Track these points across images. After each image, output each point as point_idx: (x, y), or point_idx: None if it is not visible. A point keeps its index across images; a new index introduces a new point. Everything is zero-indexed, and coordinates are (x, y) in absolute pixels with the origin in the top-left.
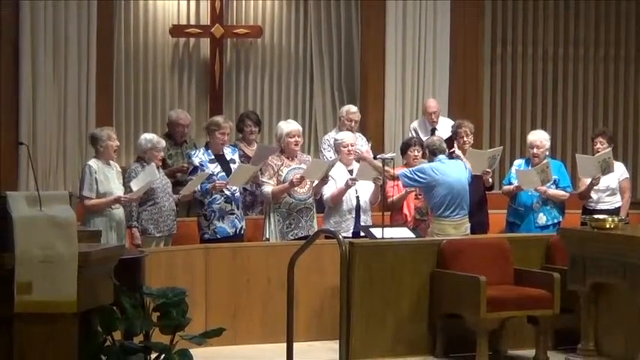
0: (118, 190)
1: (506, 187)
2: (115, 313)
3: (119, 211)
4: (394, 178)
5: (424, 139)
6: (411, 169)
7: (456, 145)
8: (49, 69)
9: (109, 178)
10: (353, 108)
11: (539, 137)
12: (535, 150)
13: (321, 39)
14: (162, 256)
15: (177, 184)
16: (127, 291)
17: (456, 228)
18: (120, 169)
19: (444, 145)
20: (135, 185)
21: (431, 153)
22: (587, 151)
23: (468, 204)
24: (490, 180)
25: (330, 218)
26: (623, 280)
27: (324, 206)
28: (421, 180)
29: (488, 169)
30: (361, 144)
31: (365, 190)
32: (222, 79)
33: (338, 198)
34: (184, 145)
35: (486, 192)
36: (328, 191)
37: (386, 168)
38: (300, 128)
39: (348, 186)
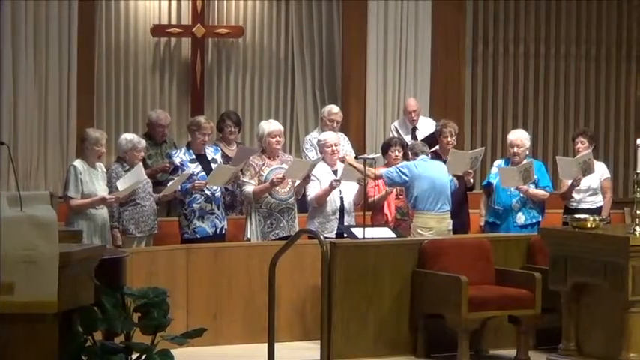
0: (102, 192)
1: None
2: (96, 313)
3: (103, 213)
4: (377, 177)
5: (405, 138)
6: (393, 167)
7: (438, 144)
8: (31, 68)
9: (93, 180)
10: (335, 108)
11: (519, 137)
12: (515, 149)
13: (302, 39)
14: (143, 256)
15: (157, 184)
16: (108, 291)
17: (438, 222)
18: (105, 170)
19: (426, 149)
20: (121, 185)
21: (413, 154)
22: (569, 150)
23: (450, 201)
24: (471, 180)
25: (315, 219)
26: (604, 280)
27: (307, 206)
28: (403, 176)
29: (469, 170)
30: (343, 144)
31: (349, 191)
32: (204, 79)
33: (322, 199)
34: (164, 145)
35: (467, 192)
36: (312, 192)
37: (368, 168)
38: (282, 128)
39: (332, 187)
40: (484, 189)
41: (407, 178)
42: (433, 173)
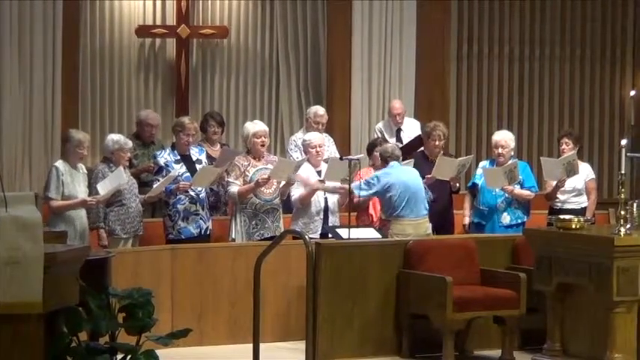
0: (83, 193)
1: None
2: (81, 314)
3: (82, 215)
4: (350, 193)
5: (390, 140)
6: (362, 180)
7: (425, 146)
8: (15, 69)
9: (74, 181)
10: (321, 110)
11: (503, 137)
12: (500, 150)
13: (287, 40)
14: (128, 257)
15: (142, 185)
16: (92, 292)
17: (415, 228)
18: (86, 172)
19: (398, 152)
20: (102, 188)
21: (383, 160)
22: (554, 151)
23: (426, 206)
24: (457, 185)
25: (299, 219)
26: (588, 281)
27: (292, 207)
28: (374, 186)
29: (456, 177)
30: (328, 145)
31: None
32: (188, 80)
33: (307, 199)
34: (152, 146)
35: (452, 194)
36: (297, 192)
37: (341, 185)
38: (267, 129)
39: (316, 188)
40: (469, 189)
41: (377, 189)
42: (406, 178)
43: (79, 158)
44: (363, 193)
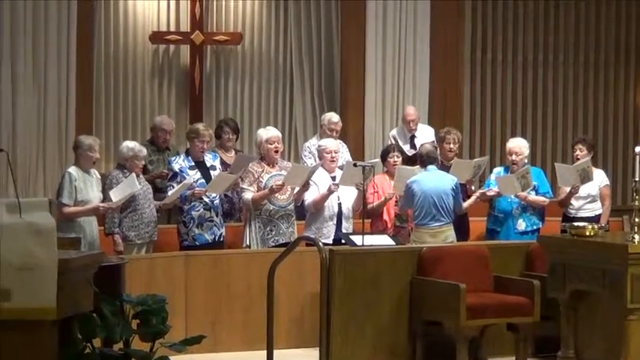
0: (96, 199)
1: (481, 191)
2: (95, 320)
3: (92, 221)
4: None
5: (404, 146)
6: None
7: (438, 151)
8: (29, 75)
9: (87, 186)
10: (335, 117)
11: (517, 144)
12: (514, 157)
13: (301, 46)
14: (142, 263)
15: (156, 191)
16: (106, 298)
17: (433, 236)
18: (99, 177)
19: (435, 155)
20: (114, 195)
21: (421, 163)
22: (568, 158)
23: (447, 214)
24: (473, 188)
25: (312, 225)
26: (602, 288)
27: (306, 213)
28: (406, 195)
29: (472, 179)
30: (342, 152)
31: (347, 196)
32: (202, 86)
33: (320, 204)
34: (167, 151)
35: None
36: (310, 197)
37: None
38: (280, 134)
39: (330, 191)
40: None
41: (408, 196)
42: (428, 187)
43: (92, 162)
44: (407, 201)
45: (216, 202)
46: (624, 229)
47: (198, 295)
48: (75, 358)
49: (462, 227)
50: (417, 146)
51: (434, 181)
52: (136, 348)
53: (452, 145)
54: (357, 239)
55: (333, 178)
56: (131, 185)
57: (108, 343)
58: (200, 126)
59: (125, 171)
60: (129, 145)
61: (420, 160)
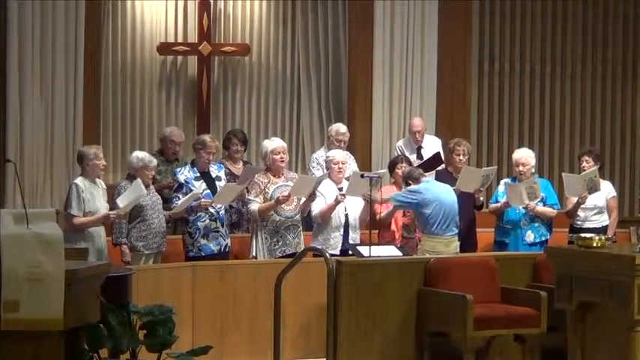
0: (104, 209)
1: (493, 205)
2: (102, 331)
3: (100, 231)
4: (384, 201)
5: (410, 157)
6: (405, 189)
7: (450, 162)
8: (37, 86)
9: (94, 197)
10: (342, 128)
11: (523, 155)
12: (521, 168)
13: (308, 57)
14: (149, 274)
15: (163, 202)
16: (113, 308)
17: (446, 245)
18: (105, 187)
19: (417, 175)
20: (121, 202)
21: (414, 179)
22: (574, 169)
23: (458, 224)
24: (481, 199)
25: (319, 235)
26: (609, 299)
27: (313, 224)
28: (412, 199)
29: (480, 188)
30: (350, 163)
31: (354, 207)
32: (210, 97)
33: (327, 214)
34: (175, 162)
35: (475, 211)
36: (317, 207)
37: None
38: (285, 145)
39: (337, 202)
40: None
41: (416, 200)
42: (441, 195)
43: (99, 170)
44: (401, 198)
45: (222, 212)
46: (631, 240)
47: (205, 306)
48: None
49: (469, 238)
50: (424, 157)
51: (445, 192)
52: (142, 358)
53: (462, 157)
54: (364, 250)
55: (341, 189)
56: (137, 190)
57: (115, 354)
58: (207, 137)
59: (134, 181)
60: (139, 155)
61: (412, 177)
